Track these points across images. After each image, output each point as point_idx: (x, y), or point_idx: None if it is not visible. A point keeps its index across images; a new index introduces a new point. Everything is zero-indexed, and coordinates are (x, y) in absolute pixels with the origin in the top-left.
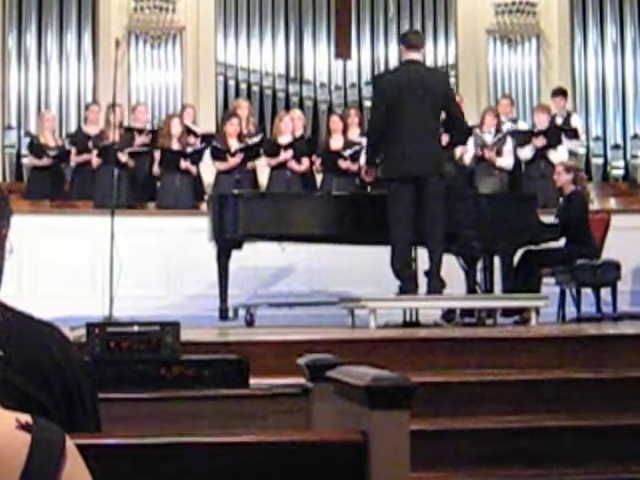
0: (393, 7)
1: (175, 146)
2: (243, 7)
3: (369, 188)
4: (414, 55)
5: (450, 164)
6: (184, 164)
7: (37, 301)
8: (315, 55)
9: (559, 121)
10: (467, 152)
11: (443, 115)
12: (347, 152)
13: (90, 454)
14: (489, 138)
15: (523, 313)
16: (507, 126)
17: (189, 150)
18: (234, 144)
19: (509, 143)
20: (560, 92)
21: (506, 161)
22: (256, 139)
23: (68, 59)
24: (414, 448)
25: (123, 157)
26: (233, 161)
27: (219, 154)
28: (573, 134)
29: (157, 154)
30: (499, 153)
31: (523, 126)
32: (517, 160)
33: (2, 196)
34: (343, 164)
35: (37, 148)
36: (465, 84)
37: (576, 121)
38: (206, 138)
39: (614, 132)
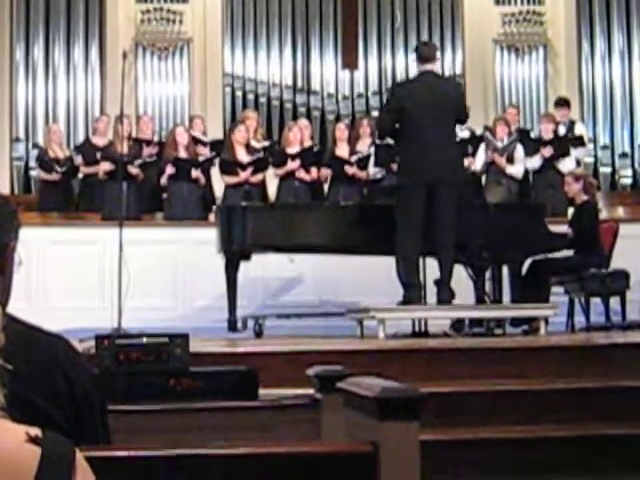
0: (400, 17)
1: (183, 155)
2: (250, 18)
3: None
4: (429, 66)
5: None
6: (195, 173)
7: (46, 313)
8: (322, 65)
9: (562, 130)
10: (476, 161)
11: None
12: (353, 158)
13: (100, 466)
14: (501, 145)
15: (532, 323)
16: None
17: (201, 159)
18: (242, 153)
19: (520, 151)
20: (563, 102)
21: (516, 169)
22: (265, 143)
23: (75, 71)
24: (424, 458)
25: (134, 170)
26: (244, 175)
27: (228, 168)
28: (579, 142)
29: (168, 167)
30: (510, 160)
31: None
32: (525, 170)
33: (11, 209)
34: (350, 170)
35: (46, 162)
36: (472, 94)
37: (580, 129)
38: (215, 145)
39: (622, 141)
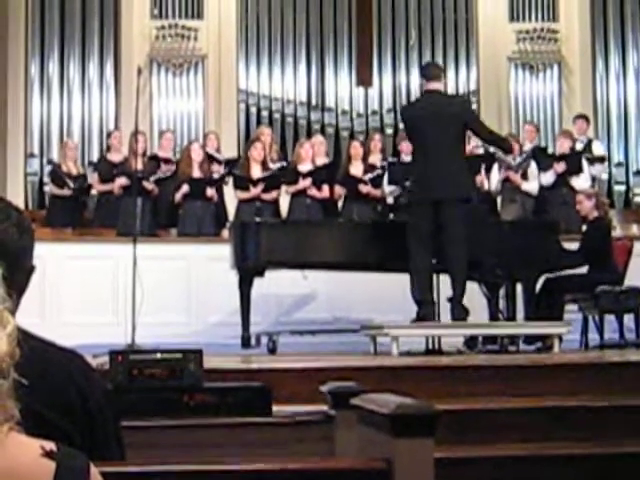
0: (414, 35)
1: (197, 173)
2: (265, 35)
3: (391, 215)
4: (435, 85)
5: (473, 191)
6: (210, 192)
7: (60, 328)
8: (337, 82)
9: (579, 147)
10: (489, 179)
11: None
12: (368, 176)
13: None
14: (514, 162)
15: (546, 340)
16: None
17: (215, 177)
18: (257, 170)
19: (534, 167)
20: (582, 116)
21: (531, 185)
22: (279, 164)
23: (90, 87)
24: (438, 476)
25: (149, 185)
26: (255, 191)
27: (241, 183)
28: (598, 160)
29: (183, 186)
30: (524, 176)
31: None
32: (540, 186)
33: (28, 227)
34: (364, 188)
35: (58, 177)
36: (487, 111)
37: (598, 148)
38: (229, 163)
39: (636, 158)
